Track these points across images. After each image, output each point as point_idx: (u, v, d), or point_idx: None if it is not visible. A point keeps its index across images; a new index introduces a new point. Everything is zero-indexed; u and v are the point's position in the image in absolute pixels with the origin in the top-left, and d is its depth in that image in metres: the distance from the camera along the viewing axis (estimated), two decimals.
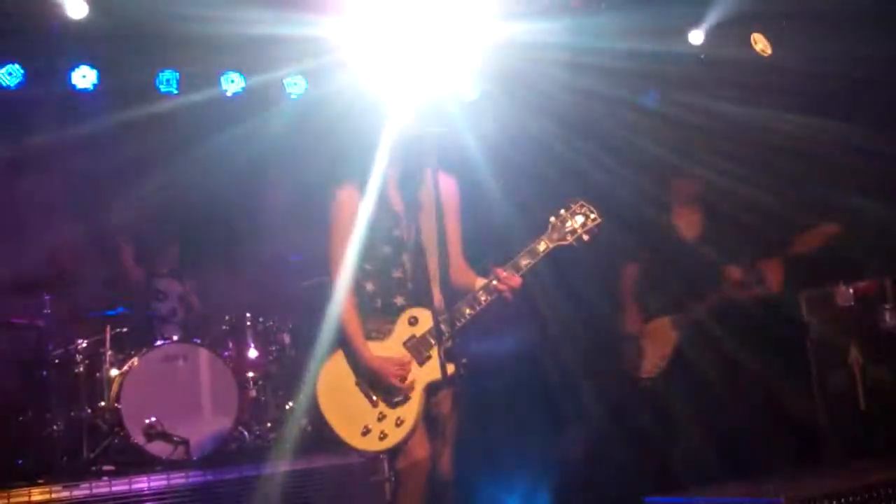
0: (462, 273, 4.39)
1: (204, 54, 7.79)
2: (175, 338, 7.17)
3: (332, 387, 4.25)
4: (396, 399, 4.17)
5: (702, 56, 8.23)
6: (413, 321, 4.24)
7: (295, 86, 8.35)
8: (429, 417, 4.29)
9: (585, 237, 4.26)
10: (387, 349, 4.21)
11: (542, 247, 4.23)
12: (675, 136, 7.48)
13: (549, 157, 7.89)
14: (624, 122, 7.98)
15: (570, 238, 4.25)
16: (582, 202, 4.30)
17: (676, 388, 6.29)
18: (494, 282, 4.18)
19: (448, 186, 4.36)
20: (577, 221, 4.25)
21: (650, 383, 6.41)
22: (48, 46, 7.38)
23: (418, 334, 4.22)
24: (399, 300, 4.30)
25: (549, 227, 4.26)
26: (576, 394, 7.76)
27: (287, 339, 7.60)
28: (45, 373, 7.09)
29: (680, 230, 6.49)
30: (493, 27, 7.15)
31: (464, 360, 4.13)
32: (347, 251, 4.30)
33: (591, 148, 7.74)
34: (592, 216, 4.28)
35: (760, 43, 8.02)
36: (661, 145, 7.26)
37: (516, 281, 4.18)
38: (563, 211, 4.28)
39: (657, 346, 6.39)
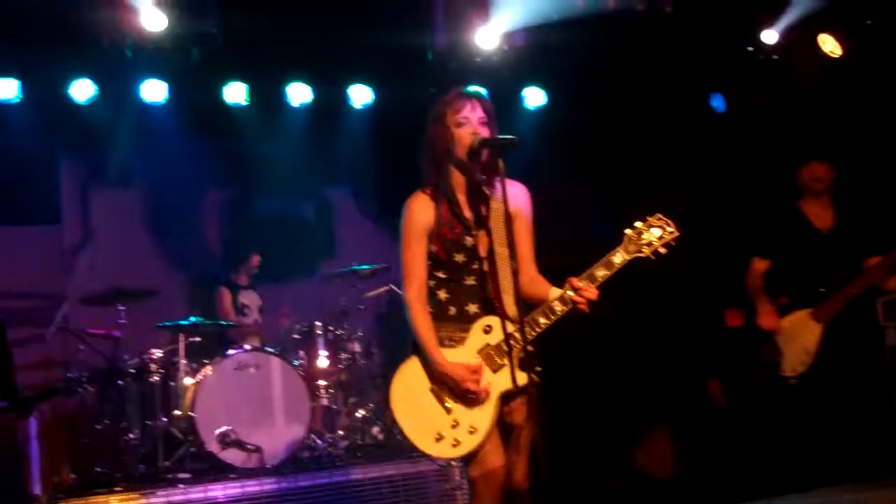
0: (534, 282, 4.35)
1: (271, 64, 7.86)
2: (247, 346, 7.24)
3: (405, 393, 4.25)
4: (470, 406, 4.17)
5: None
6: (487, 329, 4.23)
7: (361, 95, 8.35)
8: (503, 427, 4.29)
9: (662, 250, 4.17)
10: (461, 356, 4.20)
11: (617, 259, 4.16)
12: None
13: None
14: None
15: (646, 251, 4.16)
16: (660, 215, 4.21)
17: (826, 384, 6.24)
18: (569, 292, 4.16)
19: (519, 194, 4.35)
20: (654, 234, 4.17)
21: (797, 381, 6.33)
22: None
23: (492, 343, 4.21)
24: (472, 308, 4.29)
25: (626, 239, 4.20)
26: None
27: (357, 347, 7.64)
28: (121, 382, 7.21)
29: (811, 220, 6.44)
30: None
31: (538, 369, 4.11)
32: (420, 259, 4.31)
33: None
34: (670, 229, 4.19)
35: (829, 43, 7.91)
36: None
37: (593, 293, 4.12)
38: (638, 223, 4.20)
39: (798, 342, 6.32)
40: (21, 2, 6.80)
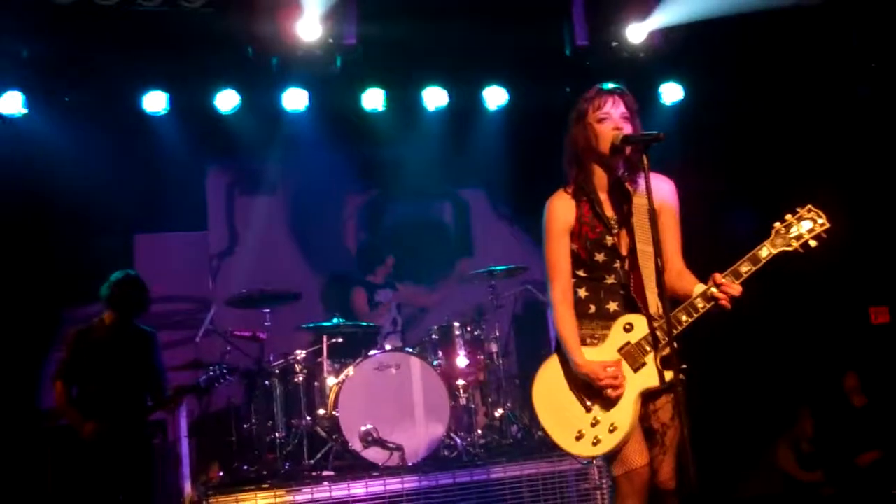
0: (681, 277, 4.26)
1: (407, 70, 7.97)
2: (388, 347, 7.35)
3: (547, 391, 4.26)
4: (607, 402, 4.15)
5: None
6: (628, 328, 4.19)
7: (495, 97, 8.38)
8: (648, 426, 4.24)
9: (813, 243, 4.05)
10: (601, 354, 4.18)
11: (764, 253, 4.04)
12: None
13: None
14: None
15: (795, 244, 4.04)
16: (811, 206, 4.09)
17: None
18: (713, 289, 4.07)
19: (664, 188, 4.27)
20: (804, 227, 4.05)
21: None
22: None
23: (633, 341, 4.17)
24: (612, 306, 4.26)
25: (773, 232, 4.07)
26: None
27: (494, 347, 7.66)
28: (266, 382, 7.40)
29: None
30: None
31: (683, 367, 4.05)
32: (564, 258, 4.31)
33: None
34: (821, 221, 4.06)
35: None
36: None
37: (737, 289, 4.01)
38: (788, 216, 4.09)
39: None
40: (168, 17, 7.07)
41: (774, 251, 4.04)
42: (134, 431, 6.21)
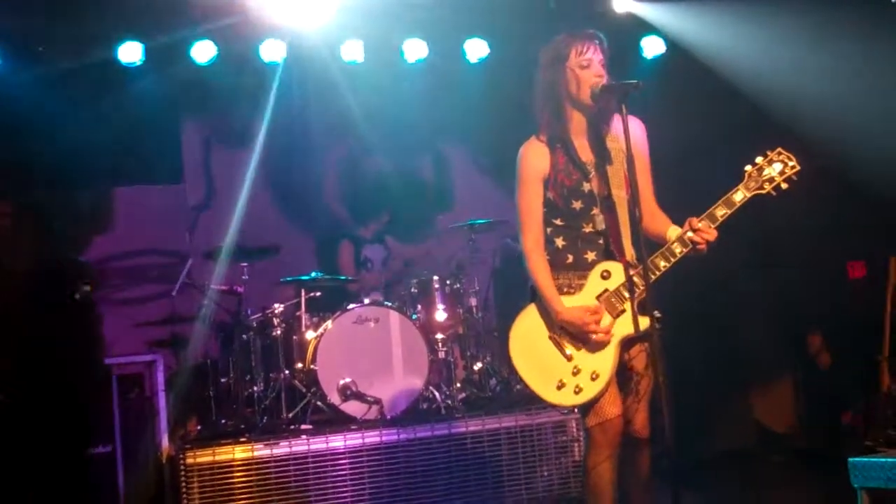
0: (654, 218, 4.27)
1: (387, 22, 7.86)
2: (366, 300, 7.31)
3: (525, 342, 4.24)
4: (592, 351, 4.12)
5: None
6: (606, 275, 4.17)
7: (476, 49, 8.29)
8: (622, 374, 4.23)
9: (784, 185, 4.08)
10: (579, 302, 4.16)
11: (738, 196, 4.08)
12: None
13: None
14: None
15: (767, 186, 4.08)
16: (780, 149, 4.12)
17: None
18: (690, 233, 4.07)
19: (635, 129, 4.23)
20: (776, 169, 4.08)
21: None
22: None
23: (611, 288, 4.15)
24: (590, 255, 4.24)
25: (746, 175, 4.11)
26: None
27: (473, 301, 7.65)
28: (244, 336, 7.36)
29: None
30: None
31: (657, 314, 4.04)
32: (536, 207, 4.27)
33: None
34: (791, 163, 4.09)
35: None
36: None
37: (713, 233, 4.04)
38: (759, 159, 4.12)
39: None
40: None
41: (749, 194, 4.08)
42: None
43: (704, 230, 4.04)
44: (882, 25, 7.63)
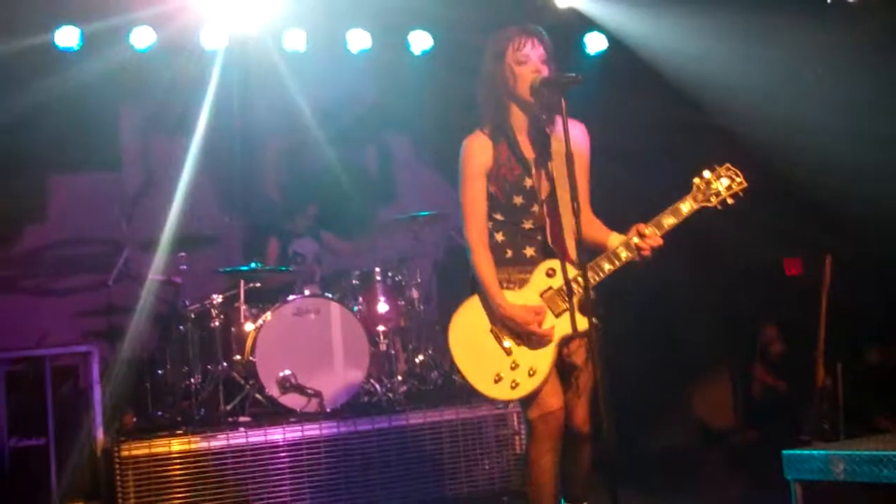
0: (590, 224, 4.27)
1: (330, 11, 7.79)
2: (307, 292, 7.26)
3: (464, 334, 4.23)
4: (531, 348, 4.14)
5: None
6: (551, 273, 4.19)
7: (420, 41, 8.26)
8: (563, 368, 4.25)
9: (730, 201, 4.14)
10: (522, 298, 4.17)
11: (685, 207, 4.12)
12: None
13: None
14: None
15: (714, 200, 4.13)
16: (729, 165, 4.17)
17: None
18: (636, 239, 4.10)
19: (575, 133, 4.20)
20: (723, 184, 4.13)
21: None
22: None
23: (555, 286, 4.17)
24: (529, 251, 4.26)
25: (694, 187, 4.15)
26: None
27: (416, 293, 7.62)
28: (182, 328, 7.26)
29: None
30: None
31: (599, 314, 4.07)
32: (480, 200, 4.27)
33: None
34: (738, 180, 4.15)
35: None
36: None
37: (658, 240, 4.08)
38: (708, 173, 4.16)
39: None
40: None
41: (695, 206, 4.13)
42: None
43: (651, 237, 4.07)
44: (821, 26, 7.75)
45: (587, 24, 8.18)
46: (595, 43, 8.39)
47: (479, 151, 4.25)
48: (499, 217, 4.28)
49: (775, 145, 7.45)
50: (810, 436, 6.52)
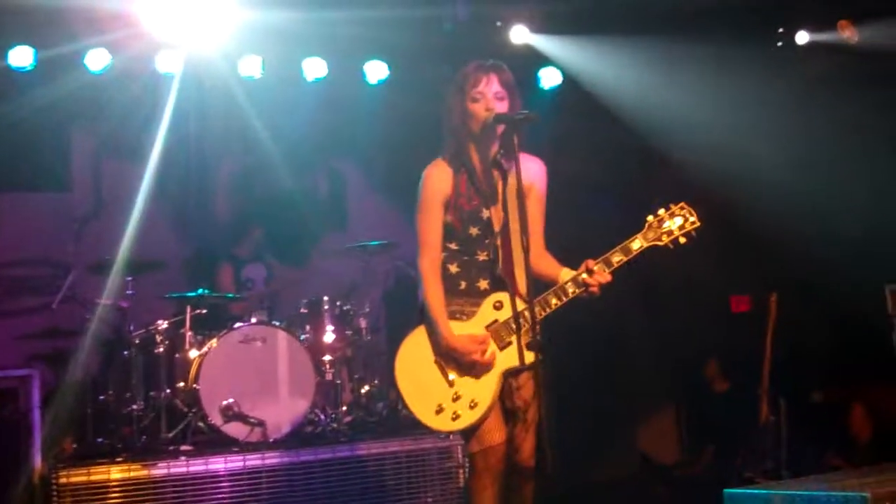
0: (542, 258, 4.32)
1: (287, 39, 7.79)
2: (254, 319, 7.20)
3: (409, 363, 4.24)
4: (474, 378, 4.14)
5: None
6: (498, 305, 4.20)
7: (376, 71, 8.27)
8: (510, 404, 4.25)
9: (682, 240, 4.18)
10: (469, 329, 4.19)
11: (635, 245, 4.15)
12: None
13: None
14: None
15: (665, 239, 4.16)
16: (683, 204, 4.21)
17: None
18: (584, 275, 4.12)
19: (532, 168, 4.31)
20: (675, 223, 4.17)
21: None
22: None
23: (502, 319, 4.19)
24: (483, 284, 4.27)
25: (646, 225, 4.19)
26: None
27: (364, 323, 7.58)
28: (125, 353, 7.16)
29: None
30: None
31: (544, 350, 4.08)
32: (436, 229, 4.28)
33: None
34: (692, 219, 4.18)
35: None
36: None
37: (607, 277, 4.11)
38: (661, 211, 4.20)
39: None
40: None
41: (646, 244, 4.16)
42: None
43: (599, 273, 4.10)
44: (771, 67, 7.88)
45: (542, 59, 8.23)
46: (549, 77, 8.45)
47: (438, 180, 4.28)
48: (453, 247, 4.30)
49: (725, 181, 7.54)
50: (753, 472, 6.56)
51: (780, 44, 8.29)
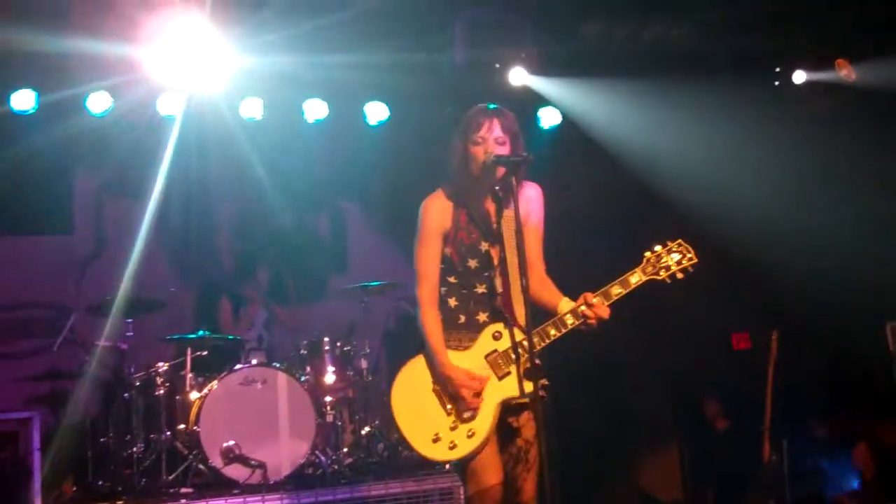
0: (542, 285, 4.35)
1: (288, 81, 7.84)
2: (254, 361, 7.19)
3: (407, 392, 4.25)
4: (466, 412, 4.14)
5: None
6: (497, 336, 4.22)
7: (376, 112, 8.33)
8: (510, 442, 4.24)
9: (679, 275, 4.23)
10: (468, 359, 4.21)
11: (634, 278, 4.20)
12: None
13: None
14: None
15: (663, 274, 4.21)
16: (681, 241, 4.27)
17: None
18: (583, 307, 4.14)
19: (530, 195, 4.37)
20: (673, 259, 4.22)
21: None
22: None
23: (501, 349, 4.20)
24: (482, 317, 4.28)
25: (644, 260, 4.23)
26: None
27: (364, 363, 7.58)
28: (126, 395, 7.15)
29: None
30: None
31: (543, 381, 4.10)
32: (434, 260, 4.32)
33: None
34: (689, 255, 4.24)
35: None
36: None
37: (606, 311, 4.14)
38: (658, 247, 4.26)
39: None
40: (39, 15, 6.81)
41: (644, 278, 4.20)
42: None
43: (598, 307, 4.13)
44: (768, 106, 7.92)
45: (542, 99, 8.29)
46: (549, 117, 8.51)
47: (438, 212, 4.32)
48: (452, 281, 4.32)
49: (723, 219, 7.56)
50: None
51: (777, 83, 8.34)
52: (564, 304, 4.23)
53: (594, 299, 4.13)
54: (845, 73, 7.96)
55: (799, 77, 8.30)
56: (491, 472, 4.16)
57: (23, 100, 7.51)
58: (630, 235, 7.49)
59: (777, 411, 6.75)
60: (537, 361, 4.02)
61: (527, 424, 4.25)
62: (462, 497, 6.52)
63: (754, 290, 7.76)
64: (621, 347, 7.63)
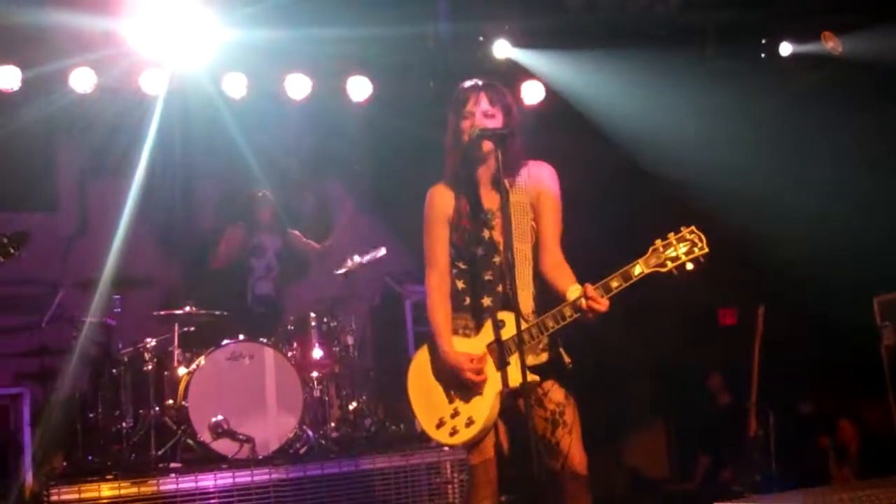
0: (557, 268, 4.22)
1: (270, 57, 7.82)
2: (241, 337, 7.20)
3: (419, 374, 4.33)
4: (469, 395, 4.17)
5: None
6: (501, 324, 4.17)
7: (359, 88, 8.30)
8: (541, 408, 4.20)
9: (689, 266, 3.93)
10: (472, 347, 4.22)
11: (636, 271, 3.95)
12: None
13: None
14: None
15: (669, 264, 3.92)
16: (693, 228, 3.96)
17: None
18: (582, 299, 3.98)
19: (543, 174, 4.30)
20: (681, 249, 3.92)
21: None
22: None
23: (503, 338, 4.15)
24: (486, 301, 4.26)
25: (651, 250, 3.96)
26: None
27: (350, 339, 7.60)
28: (114, 371, 7.18)
29: None
30: None
31: (567, 360, 4.18)
32: (440, 248, 4.34)
33: None
34: (700, 245, 3.92)
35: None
36: None
37: (604, 304, 3.93)
38: (670, 235, 3.97)
39: None
40: None
41: (647, 270, 3.95)
42: None
43: (596, 300, 3.93)
44: (754, 79, 7.92)
45: (524, 73, 8.27)
46: (532, 92, 8.48)
47: (440, 201, 4.35)
48: (462, 266, 4.34)
49: (710, 193, 7.57)
50: (742, 486, 6.56)
51: (763, 56, 8.34)
52: (571, 292, 4.06)
53: (593, 292, 3.94)
54: (832, 45, 7.96)
55: (786, 49, 8.28)
56: (494, 444, 4.21)
57: (6, 76, 7.45)
58: (618, 214, 7.51)
59: (763, 387, 6.79)
60: (544, 350, 4.12)
61: (553, 388, 4.22)
62: (449, 472, 6.62)
63: (741, 266, 7.77)
64: (605, 324, 7.66)
